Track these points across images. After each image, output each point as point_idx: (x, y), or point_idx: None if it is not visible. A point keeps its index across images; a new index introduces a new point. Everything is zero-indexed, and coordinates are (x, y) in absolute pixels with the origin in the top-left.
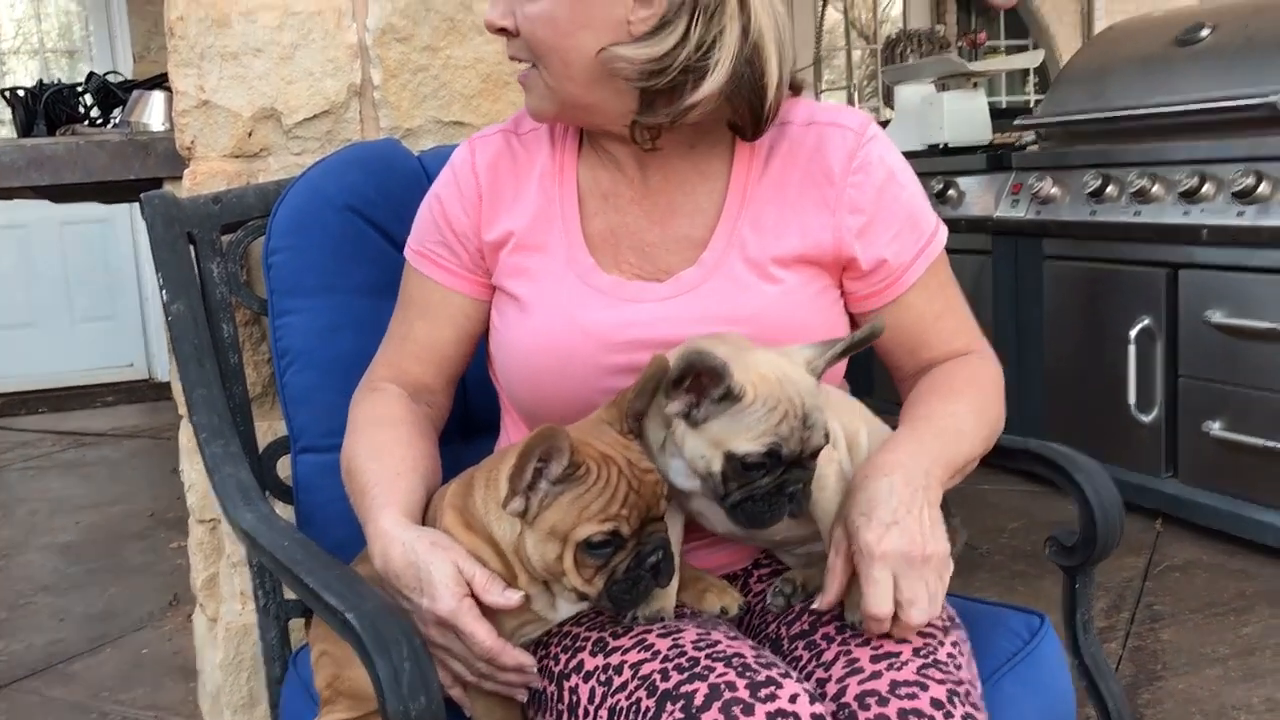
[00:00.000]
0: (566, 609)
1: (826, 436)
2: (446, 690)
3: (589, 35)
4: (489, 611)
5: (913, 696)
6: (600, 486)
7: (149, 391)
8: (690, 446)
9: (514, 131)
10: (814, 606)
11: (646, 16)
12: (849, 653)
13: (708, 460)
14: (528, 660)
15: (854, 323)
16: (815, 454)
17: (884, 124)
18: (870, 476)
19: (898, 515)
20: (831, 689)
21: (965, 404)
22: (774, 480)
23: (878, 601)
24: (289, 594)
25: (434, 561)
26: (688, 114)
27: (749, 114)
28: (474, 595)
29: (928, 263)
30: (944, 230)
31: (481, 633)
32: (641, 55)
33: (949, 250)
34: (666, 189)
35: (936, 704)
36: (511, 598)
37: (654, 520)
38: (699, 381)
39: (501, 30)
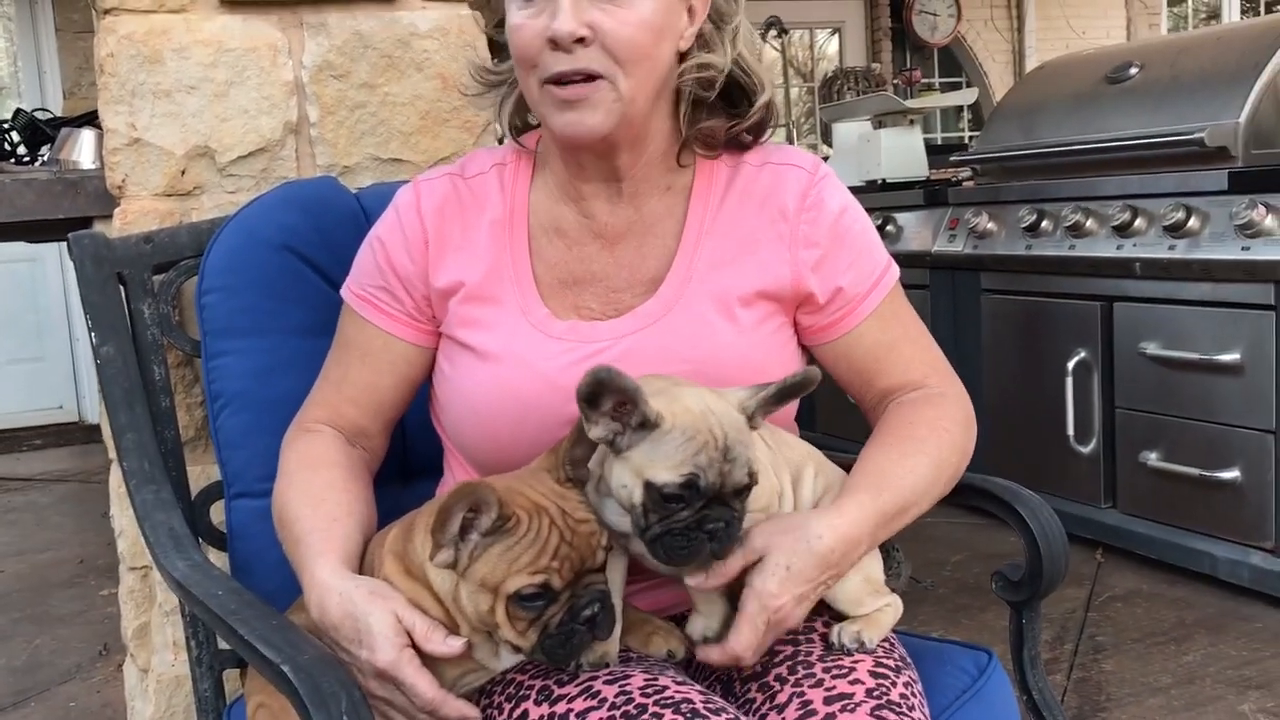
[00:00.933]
0: (509, 658)
1: (751, 476)
2: None
3: (668, 44)
4: (430, 660)
5: None
6: (530, 538)
7: (79, 434)
8: (615, 476)
9: (460, 175)
10: (689, 583)
11: (691, 33)
12: (802, 694)
13: (629, 490)
14: (471, 712)
15: (808, 358)
16: (739, 492)
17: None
18: (816, 532)
19: (806, 589)
20: None
21: (925, 458)
22: (694, 514)
23: (742, 643)
24: (224, 644)
25: (372, 612)
26: (752, 117)
27: (759, 129)
28: (415, 644)
29: (883, 294)
30: (895, 268)
31: (423, 684)
32: (720, 62)
33: None
34: (636, 230)
35: None
36: (454, 645)
37: (591, 572)
38: (622, 409)
39: (578, 40)
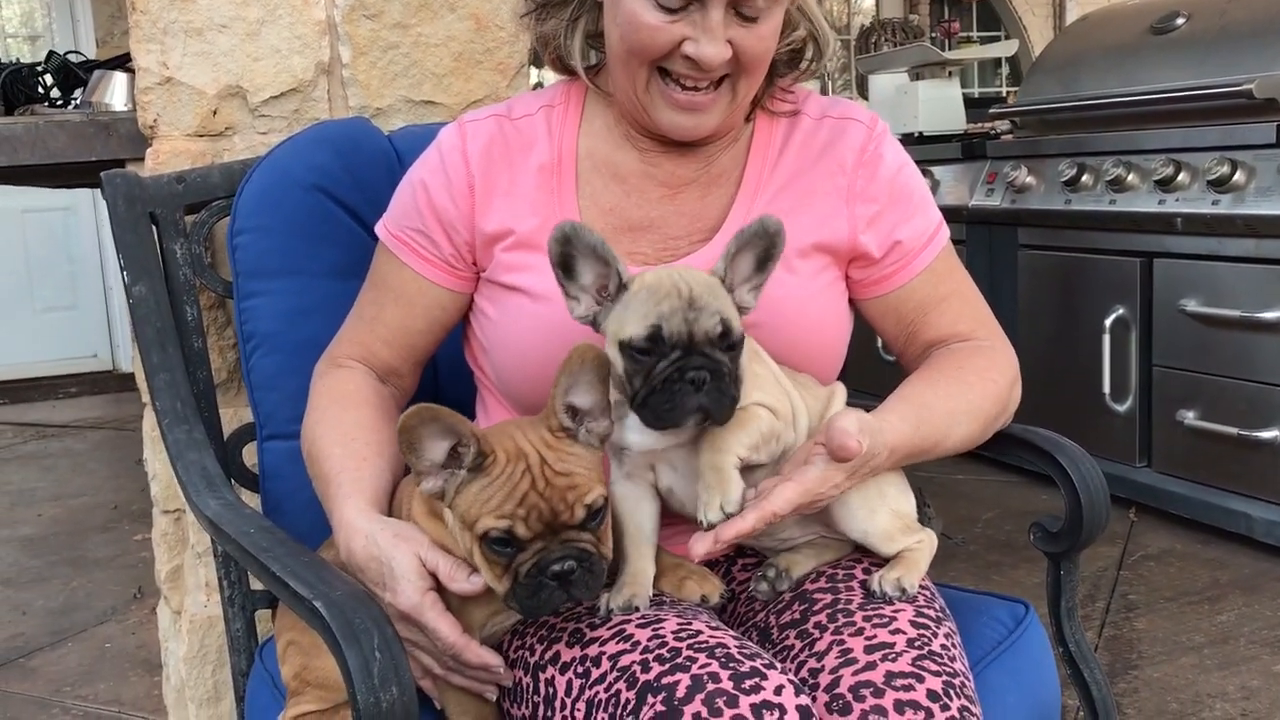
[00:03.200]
0: None
1: (726, 325)
2: (417, 681)
3: None
4: (459, 602)
5: (909, 688)
6: (503, 480)
7: (112, 382)
8: (609, 355)
9: (507, 116)
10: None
11: None
12: (842, 643)
13: (614, 365)
14: (493, 660)
15: (856, 311)
16: (714, 342)
17: None
18: (879, 448)
19: (858, 479)
20: (825, 679)
21: (966, 403)
22: (670, 365)
23: (785, 501)
24: (255, 584)
25: (396, 554)
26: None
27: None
28: (440, 585)
29: (936, 251)
30: (946, 227)
31: (445, 628)
32: (802, 34)
33: None
34: (702, 180)
35: (933, 696)
36: (476, 583)
37: (569, 528)
38: (605, 290)
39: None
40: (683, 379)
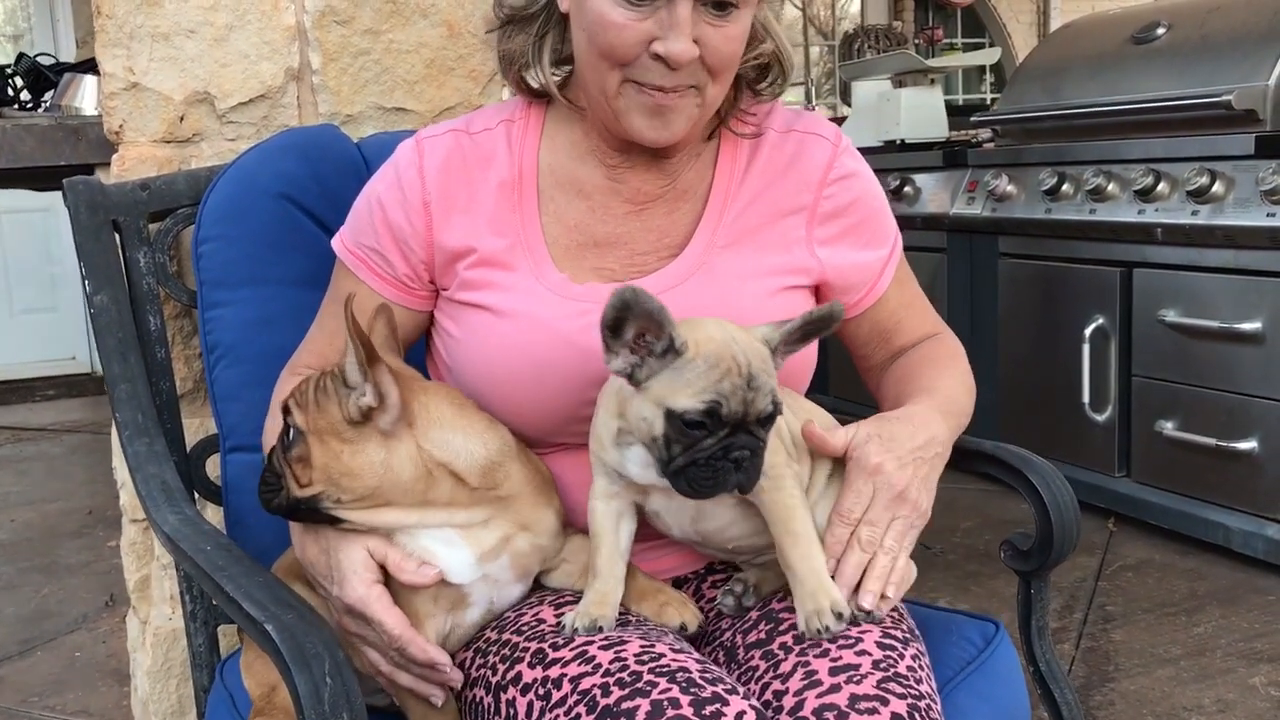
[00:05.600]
0: (458, 562)
1: (775, 404)
2: (365, 670)
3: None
4: (406, 599)
5: (873, 711)
6: None
7: (91, 385)
8: (634, 409)
9: (465, 131)
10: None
11: None
12: (807, 664)
13: (649, 422)
14: (440, 657)
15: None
16: (763, 421)
17: (840, 120)
18: (891, 415)
19: (904, 455)
20: (788, 702)
21: (955, 379)
22: (718, 443)
23: (849, 505)
24: None
25: (344, 548)
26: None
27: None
28: (388, 578)
29: (898, 259)
30: (899, 233)
31: (391, 620)
32: (769, 47)
33: (905, 247)
34: (668, 196)
35: (898, 719)
36: (428, 574)
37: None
38: (641, 340)
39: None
40: (727, 457)
